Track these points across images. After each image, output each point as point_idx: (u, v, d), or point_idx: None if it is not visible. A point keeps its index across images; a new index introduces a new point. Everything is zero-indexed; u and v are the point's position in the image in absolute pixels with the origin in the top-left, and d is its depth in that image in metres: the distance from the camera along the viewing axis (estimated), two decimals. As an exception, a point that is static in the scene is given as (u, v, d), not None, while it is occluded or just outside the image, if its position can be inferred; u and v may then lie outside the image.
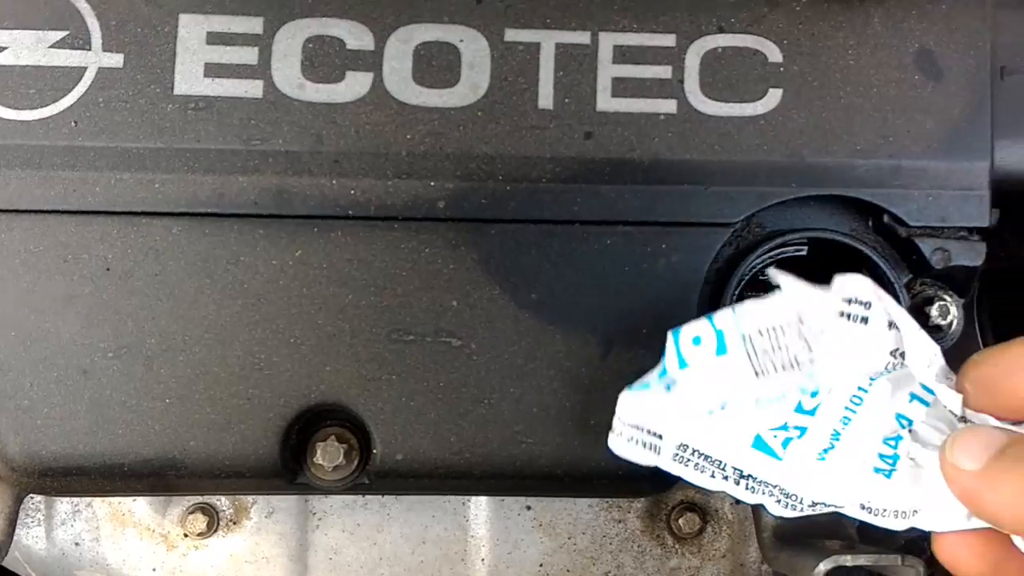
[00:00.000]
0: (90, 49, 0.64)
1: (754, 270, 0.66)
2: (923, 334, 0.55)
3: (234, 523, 0.84)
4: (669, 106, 0.65)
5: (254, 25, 0.65)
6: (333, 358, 0.65)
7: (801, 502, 0.56)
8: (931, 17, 0.66)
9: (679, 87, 0.65)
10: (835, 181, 0.65)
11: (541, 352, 0.65)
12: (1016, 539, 0.50)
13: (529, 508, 0.84)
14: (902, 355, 0.56)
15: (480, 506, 0.84)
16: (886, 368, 0.56)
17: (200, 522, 0.82)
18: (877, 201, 0.65)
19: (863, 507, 0.54)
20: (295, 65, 0.64)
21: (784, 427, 0.55)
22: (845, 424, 0.55)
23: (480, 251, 0.65)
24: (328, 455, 0.65)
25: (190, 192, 0.64)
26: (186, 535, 0.83)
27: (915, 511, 0.53)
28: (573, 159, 0.65)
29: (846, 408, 0.55)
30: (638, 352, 0.65)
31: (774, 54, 0.66)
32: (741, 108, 0.65)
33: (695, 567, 0.84)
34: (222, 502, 0.84)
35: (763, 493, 0.56)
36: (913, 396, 0.54)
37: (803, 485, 0.55)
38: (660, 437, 0.57)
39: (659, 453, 0.57)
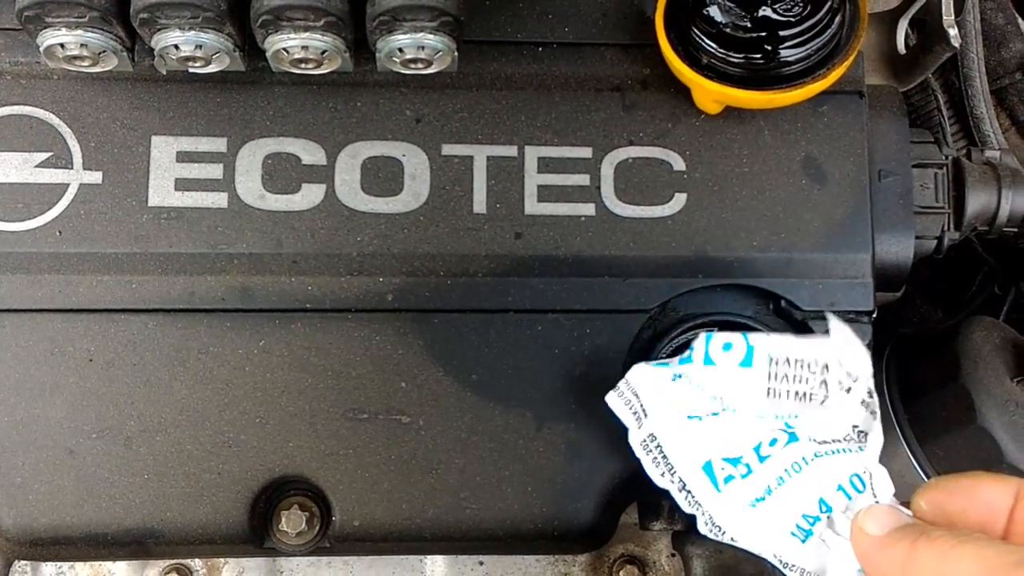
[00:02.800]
0: (72, 168, 0.67)
1: (671, 348, 0.68)
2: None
3: None
4: (588, 209, 0.68)
5: (219, 144, 0.67)
6: (295, 435, 0.67)
7: (724, 534, 0.58)
8: (815, 128, 0.69)
9: (596, 192, 0.68)
10: (736, 272, 0.68)
11: (482, 427, 0.67)
12: None
13: (481, 563, 0.85)
14: (860, 434, 0.59)
15: (436, 563, 0.85)
16: (844, 438, 0.58)
17: None
18: (774, 289, 0.68)
19: (776, 558, 0.57)
20: (256, 179, 0.67)
21: (736, 460, 0.57)
22: (779, 484, 0.57)
23: (425, 338, 0.67)
24: (292, 522, 0.67)
25: (164, 291, 0.66)
26: None
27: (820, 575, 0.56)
28: (505, 256, 0.67)
29: (785, 470, 0.57)
30: (568, 425, 0.68)
31: (678, 163, 0.69)
32: (651, 210, 0.68)
33: None
34: (196, 563, 0.84)
35: (696, 510, 0.58)
36: (840, 487, 0.57)
37: (730, 522, 0.58)
38: (645, 416, 0.59)
39: (638, 428, 0.59)
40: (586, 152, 0.69)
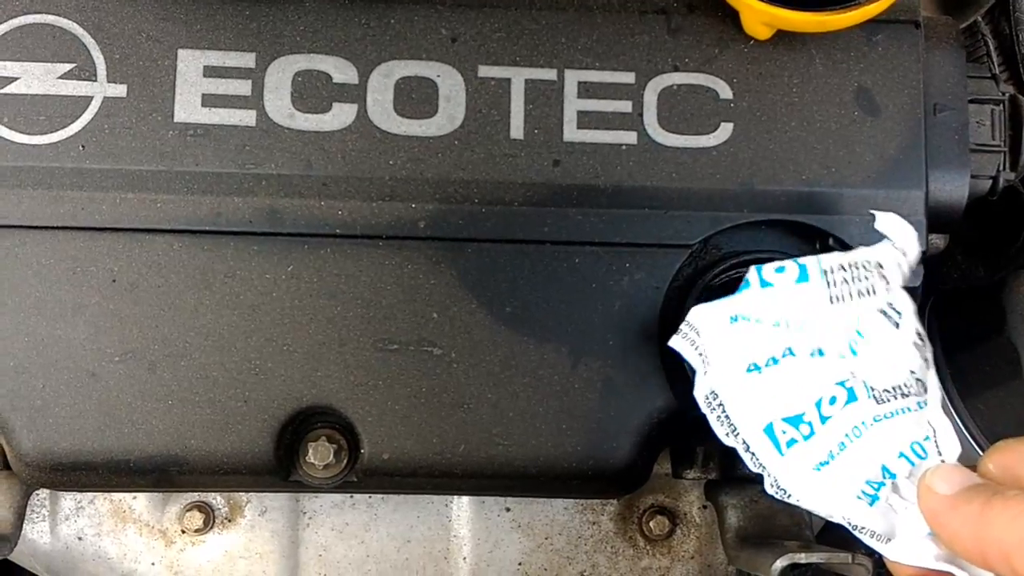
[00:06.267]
0: (96, 80, 0.65)
1: (711, 287, 0.67)
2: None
3: (229, 520, 0.84)
4: (630, 137, 0.66)
5: (247, 60, 0.66)
6: (324, 364, 0.65)
7: (790, 497, 0.58)
8: (869, 58, 0.68)
9: (639, 120, 0.66)
10: (783, 207, 0.66)
11: (515, 361, 0.66)
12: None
13: (508, 510, 0.85)
14: (919, 383, 0.58)
15: (462, 507, 0.85)
16: (904, 386, 0.58)
17: (197, 519, 0.83)
18: (822, 226, 0.66)
19: (845, 520, 0.57)
20: (286, 96, 0.66)
21: (797, 420, 0.57)
22: (841, 448, 0.56)
23: (458, 268, 0.66)
24: (319, 454, 0.65)
25: (189, 211, 0.65)
26: (183, 531, 0.84)
27: (889, 539, 0.55)
28: (542, 185, 0.66)
29: (846, 435, 0.57)
30: (605, 361, 0.66)
31: (725, 91, 0.67)
32: (695, 140, 0.66)
33: (665, 567, 0.86)
34: (218, 500, 0.84)
35: (763, 471, 0.58)
36: (902, 454, 0.56)
37: (795, 486, 0.57)
38: (707, 361, 0.59)
39: (704, 373, 0.59)
40: (629, 77, 0.67)
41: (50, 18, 0.66)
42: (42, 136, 0.65)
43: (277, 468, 0.66)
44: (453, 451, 0.66)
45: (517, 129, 0.66)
